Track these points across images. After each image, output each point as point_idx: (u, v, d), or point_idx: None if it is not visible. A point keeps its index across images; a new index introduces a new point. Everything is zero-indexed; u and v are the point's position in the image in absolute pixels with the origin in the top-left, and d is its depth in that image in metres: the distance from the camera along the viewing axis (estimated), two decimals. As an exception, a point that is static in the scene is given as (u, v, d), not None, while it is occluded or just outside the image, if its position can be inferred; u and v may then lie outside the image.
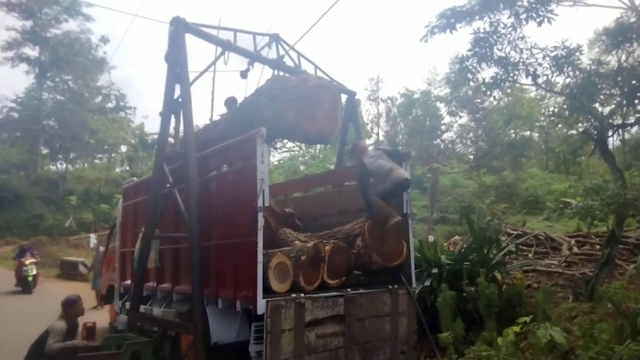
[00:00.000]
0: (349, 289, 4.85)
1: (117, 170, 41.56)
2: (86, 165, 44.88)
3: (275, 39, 6.73)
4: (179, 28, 5.44)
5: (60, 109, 36.23)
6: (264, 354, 4.13)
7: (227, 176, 4.99)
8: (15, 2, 35.40)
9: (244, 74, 6.42)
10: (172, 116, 5.52)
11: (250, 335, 4.57)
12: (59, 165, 42.23)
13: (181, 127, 5.54)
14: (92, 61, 37.81)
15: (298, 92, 5.19)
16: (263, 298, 4.20)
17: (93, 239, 12.86)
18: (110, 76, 41.12)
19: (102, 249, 12.02)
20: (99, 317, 8.58)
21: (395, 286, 5.23)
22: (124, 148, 39.93)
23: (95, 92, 40.07)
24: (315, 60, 7.20)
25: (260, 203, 4.36)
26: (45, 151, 39.86)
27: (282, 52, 6.75)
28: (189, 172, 5.03)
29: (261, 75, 7.10)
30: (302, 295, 4.46)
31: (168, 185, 5.34)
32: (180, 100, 5.37)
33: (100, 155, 45.17)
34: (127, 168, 37.13)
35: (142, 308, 6.36)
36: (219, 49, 6.08)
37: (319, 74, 7.30)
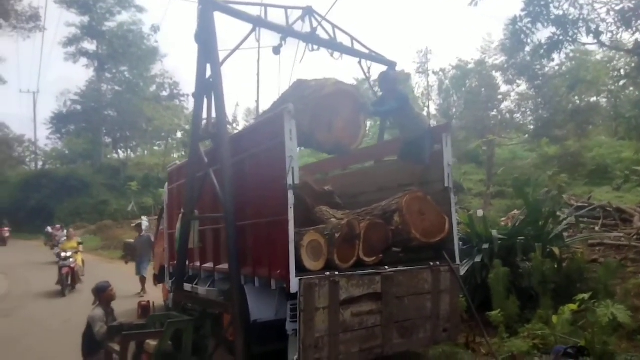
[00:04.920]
0: (386, 267, 4.68)
1: (175, 155, 43.18)
2: (146, 152, 47.00)
3: (309, 12, 6.49)
4: (208, 6, 5.35)
5: (118, 100, 38.04)
6: (298, 332, 4.08)
7: (258, 155, 4.92)
8: (73, -2, 37.24)
9: (276, 50, 6.25)
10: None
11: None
12: (121, 153, 44.57)
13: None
14: (144, 51, 39.20)
15: (311, 101, 4.91)
16: (296, 276, 4.14)
17: (145, 221, 13.38)
18: (163, 65, 42.54)
19: (145, 233, 12.38)
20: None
21: (437, 263, 4.98)
22: (179, 134, 41.35)
23: (149, 81, 41.66)
24: (357, 32, 6.91)
25: (290, 181, 4.25)
26: (108, 140, 42.14)
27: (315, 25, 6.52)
28: (222, 153, 5.00)
29: (297, 50, 6.93)
30: (337, 273, 4.34)
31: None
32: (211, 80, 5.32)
33: (158, 142, 47.10)
34: (183, 153, 38.47)
35: (188, 287, 6.55)
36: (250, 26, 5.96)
37: (356, 45, 7.02)
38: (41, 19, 29.01)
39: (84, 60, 39.74)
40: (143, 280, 11.85)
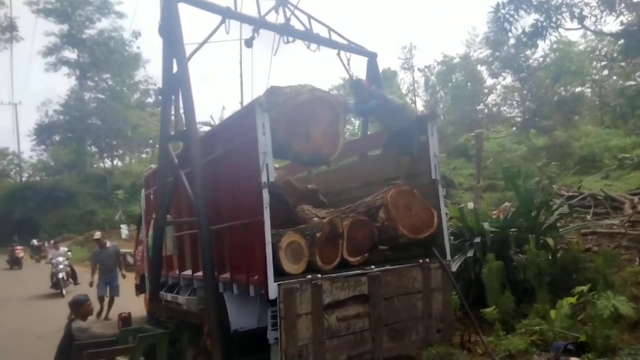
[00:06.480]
0: (372, 266, 4.40)
1: (163, 162, 42.51)
2: (133, 160, 46.35)
3: (282, 2, 6.21)
4: (172, -3, 5.04)
5: (102, 108, 37.38)
6: (279, 341, 3.77)
7: (230, 153, 4.60)
8: (50, 7, 36.52)
9: (248, 43, 5.97)
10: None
11: (270, 321, 4.22)
12: (108, 162, 43.82)
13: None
14: (127, 57, 38.59)
15: (286, 109, 4.57)
16: (275, 281, 3.84)
17: (124, 229, 12.75)
18: (146, 71, 41.88)
19: (109, 245, 10.85)
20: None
21: (427, 260, 4.70)
22: (166, 140, 40.71)
23: (133, 88, 41.03)
24: (337, 26, 6.65)
25: (264, 179, 3.95)
26: (93, 150, 41.41)
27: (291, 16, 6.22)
28: (192, 152, 4.68)
29: (273, 42, 6.63)
30: (319, 275, 4.05)
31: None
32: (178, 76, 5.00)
33: (145, 150, 46.45)
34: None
35: (168, 296, 6.19)
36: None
37: (334, 36, 6.75)
38: (18, 29, 28.33)
39: (65, 70, 39.05)
40: (102, 300, 10.16)
